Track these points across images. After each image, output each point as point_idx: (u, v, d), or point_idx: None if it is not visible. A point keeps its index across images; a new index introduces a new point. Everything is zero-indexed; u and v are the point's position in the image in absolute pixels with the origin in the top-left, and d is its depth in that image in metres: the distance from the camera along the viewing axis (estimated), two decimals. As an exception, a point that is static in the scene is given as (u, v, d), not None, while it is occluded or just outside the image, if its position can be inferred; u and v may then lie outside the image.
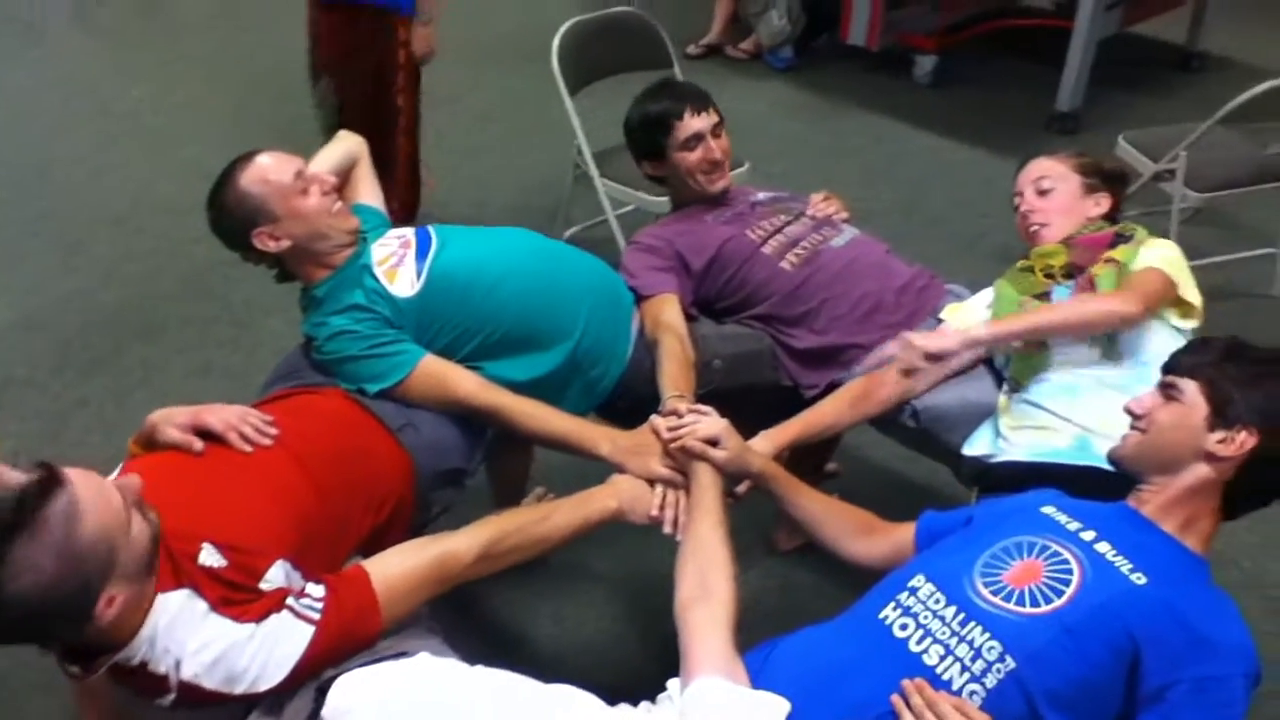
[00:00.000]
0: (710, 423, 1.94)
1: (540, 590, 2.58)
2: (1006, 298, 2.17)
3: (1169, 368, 1.70)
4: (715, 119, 2.48)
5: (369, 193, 2.36)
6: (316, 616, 1.54)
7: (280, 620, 1.52)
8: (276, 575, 1.58)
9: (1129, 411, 1.70)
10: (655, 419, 2.00)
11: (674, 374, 2.15)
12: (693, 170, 2.49)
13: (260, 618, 1.50)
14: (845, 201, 2.61)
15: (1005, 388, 2.17)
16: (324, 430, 1.94)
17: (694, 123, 2.45)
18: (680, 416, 1.97)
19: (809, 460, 2.49)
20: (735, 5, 5.71)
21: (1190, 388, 1.64)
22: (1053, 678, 1.47)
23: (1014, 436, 2.06)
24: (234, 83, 5.29)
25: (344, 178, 2.32)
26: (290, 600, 1.54)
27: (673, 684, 1.58)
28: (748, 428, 2.06)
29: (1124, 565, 1.54)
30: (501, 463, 2.47)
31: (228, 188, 2.08)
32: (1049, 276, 2.16)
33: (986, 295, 2.25)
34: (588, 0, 4.49)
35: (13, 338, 3.48)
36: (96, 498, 1.37)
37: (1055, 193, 2.26)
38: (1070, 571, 1.55)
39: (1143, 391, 1.72)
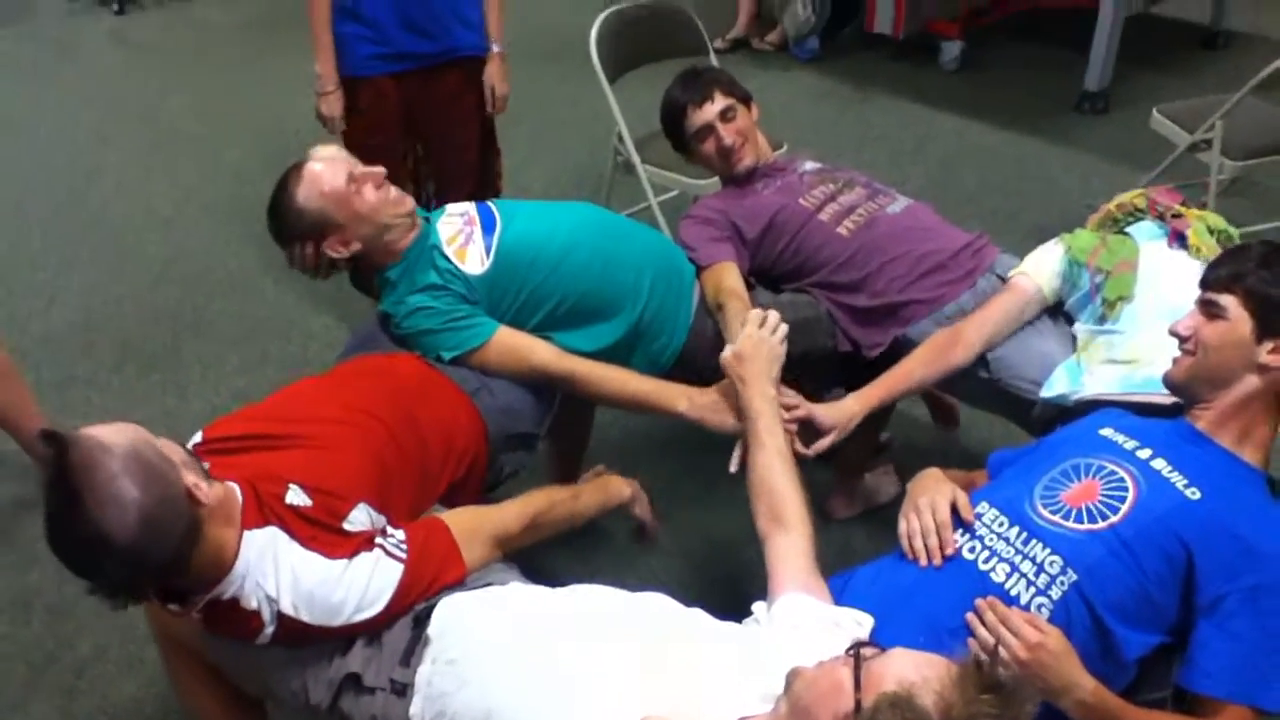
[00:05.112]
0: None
1: (589, 559, 2.58)
2: (1082, 237, 2.19)
3: (1205, 282, 1.71)
4: (724, 103, 2.50)
5: None
6: (403, 555, 1.62)
7: (372, 557, 1.59)
8: (360, 518, 1.65)
9: (1175, 334, 1.72)
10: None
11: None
12: (710, 159, 2.56)
13: (351, 554, 1.58)
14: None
15: (1083, 324, 2.15)
16: (403, 390, 2.01)
17: (699, 116, 2.50)
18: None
19: (866, 433, 2.50)
20: (759, -1, 5.77)
21: (1231, 302, 1.65)
22: (1112, 589, 1.54)
23: (1099, 371, 2.05)
24: (268, 91, 5.37)
25: None
26: (379, 540, 1.62)
27: (758, 606, 1.63)
28: (806, 395, 2.12)
29: (1179, 481, 1.60)
30: (563, 435, 2.52)
31: (286, 206, 2.11)
32: (1132, 214, 2.20)
33: (1053, 245, 2.25)
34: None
35: (73, 339, 3.56)
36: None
37: None
38: (1126, 489, 1.61)
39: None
